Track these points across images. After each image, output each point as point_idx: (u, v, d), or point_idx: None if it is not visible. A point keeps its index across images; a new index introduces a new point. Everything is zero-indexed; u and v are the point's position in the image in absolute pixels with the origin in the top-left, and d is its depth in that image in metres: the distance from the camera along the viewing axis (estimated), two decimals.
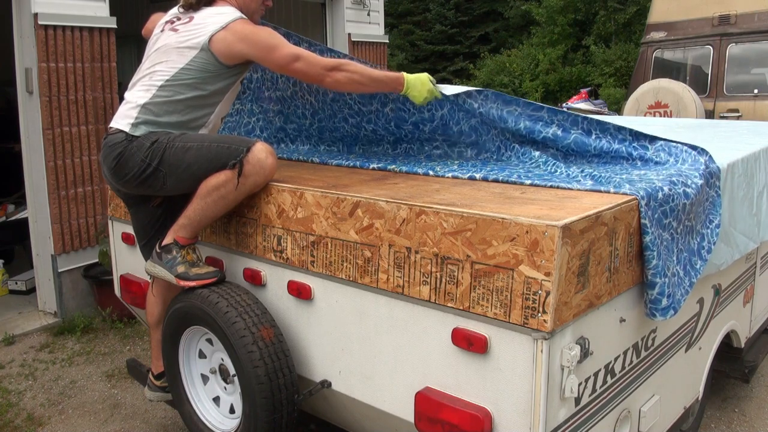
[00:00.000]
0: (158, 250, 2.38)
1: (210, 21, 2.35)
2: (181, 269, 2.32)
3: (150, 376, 2.71)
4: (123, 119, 2.34)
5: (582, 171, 2.22)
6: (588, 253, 1.72)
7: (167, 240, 2.36)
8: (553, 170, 2.29)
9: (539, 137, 2.38)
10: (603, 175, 2.16)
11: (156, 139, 2.29)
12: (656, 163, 2.35)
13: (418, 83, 2.35)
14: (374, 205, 1.96)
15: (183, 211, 2.33)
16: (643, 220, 1.93)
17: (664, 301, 2.00)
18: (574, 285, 1.68)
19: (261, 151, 2.25)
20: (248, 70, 2.55)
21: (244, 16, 2.40)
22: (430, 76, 2.41)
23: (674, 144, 2.41)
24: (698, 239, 2.27)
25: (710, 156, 2.37)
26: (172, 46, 2.36)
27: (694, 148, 2.37)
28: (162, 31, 2.46)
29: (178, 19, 2.44)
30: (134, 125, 2.31)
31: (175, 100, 2.33)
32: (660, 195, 1.99)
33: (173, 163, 2.28)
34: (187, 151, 2.27)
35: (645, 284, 2.00)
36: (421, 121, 2.55)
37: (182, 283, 2.32)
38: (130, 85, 2.44)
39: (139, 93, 2.35)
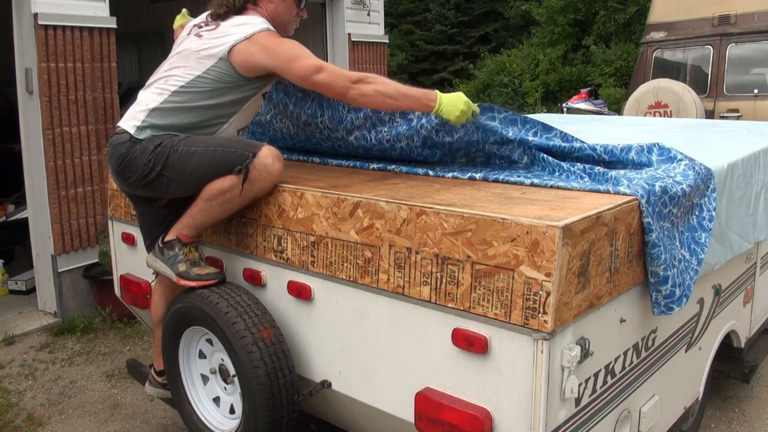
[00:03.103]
0: (161, 245, 2.37)
1: (234, 31, 2.31)
2: (182, 267, 2.32)
3: (152, 371, 2.72)
4: (131, 120, 2.33)
5: (572, 165, 2.21)
6: (588, 253, 1.72)
7: (170, 236, 2.36)
8: (550, 169, 2.27)
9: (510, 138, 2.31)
10: (598, 171, 2.14)
11: (160, 143, 2.27)
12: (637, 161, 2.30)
13: (453, 99, 2.17)
14: (375, 205, 1.96)
15: (187, 210, 2.32)
16: (646, 219, 1.92)
17: (678, 292, 2.01)
18: (575, 285, 1.68)
19: (267, 156, 2.22)
20: (270, 84, 2.47)
21: (271, 28, 2.34)
22: (467, 101, 2.20)
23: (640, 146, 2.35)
24: (697, 212, 2.25)
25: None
26: (192, 51, 2.33)
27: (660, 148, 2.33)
28: (188, 34, 2.42)
29: (206, 24, 2.40)
30: (140, 128, 2.29)
31: (186, 107, 2.30)
32: (657, 188, 1.99)
33: (177, 168, 2.26)
34: (191, 156, 2.25)
35: (655, 282, 1.99)
36: (384, 150, 2.50)
37: (182, 281, 2.32)
38: (147, 83, 2.42)
39: (151, 96, 2.34)
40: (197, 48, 2.33)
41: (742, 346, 3.10)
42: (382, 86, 2.19)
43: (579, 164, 2.22)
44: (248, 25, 2.32)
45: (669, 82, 6.75)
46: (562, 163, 2.25)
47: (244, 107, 2.40)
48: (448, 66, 19.60)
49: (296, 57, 2.24)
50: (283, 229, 2.24)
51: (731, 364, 3.12)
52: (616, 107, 11.37)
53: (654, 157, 2.26)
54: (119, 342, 4.33)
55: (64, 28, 4.33)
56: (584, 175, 2.15)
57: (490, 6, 19.28)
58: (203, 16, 2.48)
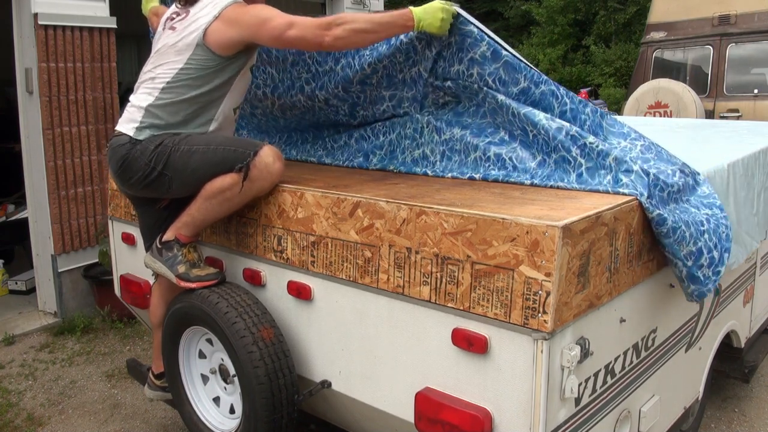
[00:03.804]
0: (159, 246, 2.36)
1: (203, 14, 2.29)
2: (181, 269, 2.32)
3: (150, 375, 2.71)
4: (128, 123, 2.33)
5: (551, 125, 2.08)
6: (588, 253, 1.72)
7: (168, 236, 2.35)
8: (520, 122, 2.15)
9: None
10: (590, 145, 2.02)
11: (161, 142, 2.26)
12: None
13: (430, 10, 2.09)
14: (374, 205, 1.96)
15: (186, 209, 2.31)
16: (656, 212, 1.92)
17: (716, 254, 2.03)
18: (575, 285, 1.68)
19: (268, 155, 2.21)
20: (254, 57, 2.45)
21: (240, 1, 2.31)
22: (445, 4, 2.12)
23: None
24: (686, 171, 2.20)
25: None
26: (169, 45, 2.33)
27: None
28: (163, 29, 2.42)
29: (177, 15, 2.39)
30: (138, 129, 2.29)
31: (178, 101, 2.30)
32: (651, 178, 1.98)
33: (178, 167, 2.25)
34: (192, 154, 2.24)
35: (694, 261, 1.99)
36: (366, 77, 2.43)
37: (182, 284, 2.31)
38: (135, 87, 2.42)
39: (142, 96, 2.34)
40: (174, 41, 2.32)
41: (742, 346, 3.10)
42: (354, 23, 2.11)
43: (562, 125, 2.07)
44: (213, 4, 2.29)
45: (669, 82, 6.76)
46: (537, 113, 2.10)
47: (233, 86, 2.38)
48: None
49: (264, 20, 2.19)
50: (283, 229, 2.24)
51: (731, 364, 3.12)
52: (616, 107, 11.37)
53: (605, 124, 2.20)
54: (119, 342, 4.33)
55: (64, 28, 4.33)
56: (574, 149, 2.03)
57: (490, 6, 19.28)
58: (173, 6, 2.45)
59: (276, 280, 2.31)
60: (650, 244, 2.01)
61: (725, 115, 6.54)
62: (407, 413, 1.95)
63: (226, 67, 2.31)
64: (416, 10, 2.10)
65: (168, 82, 2.30)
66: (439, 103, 2.38)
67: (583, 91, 11.16)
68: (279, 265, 2.28)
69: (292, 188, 2.20)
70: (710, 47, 6.84)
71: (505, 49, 2.20)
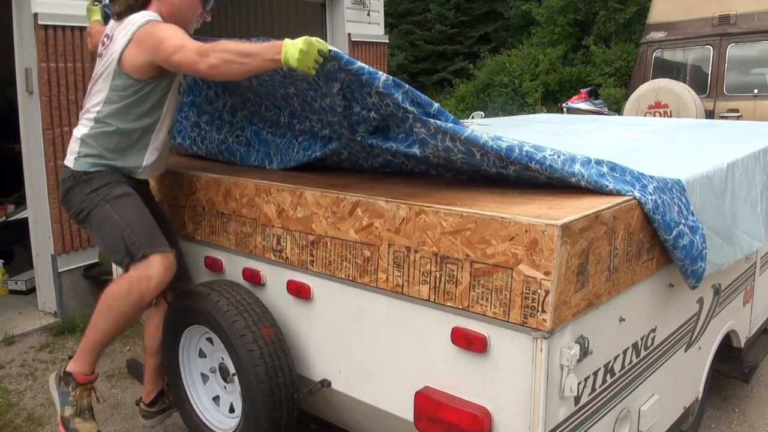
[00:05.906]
0: (62, 374, 2.37)
1: (119, 37, 2.24)
2: (67, 412, 2.34)
3: (142, 405, 2.67)
4: (69, 154, 2.35)
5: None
6: (587, 252, 1.72)
7: (70, 367, 2.36)
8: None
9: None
10: (555, 158, 1.91)
11: (94, 189, 2.27)
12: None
13: (294, 43, 1.91)
14: (374, 204, 1.96)
15: (84, 333, 2.32)
16: (651, 199, 1.92)
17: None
18: (574, 284, 1.69)
19: (156, 263, 2.17)
20: (180, 76, 2.37)
21: (155, 19, 2.23)
22: (317, 39, 1.92)
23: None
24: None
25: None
26: (98, 74, 2.32)
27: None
28: (99, 56, 2.38)
29: (107, 37, 2.34)
30: (76, 159, 2.31)
31: (109, 131, 2.28)
32: (651, 189, 1.98)
33: (94, 226, 2.31)
34: (108, 222, 2.25)
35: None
36: (284, 98, 2.36)
37: (60, 427, 2.34)
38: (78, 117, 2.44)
39: (80, 128, 2.35)
40: (101, 70, 2.31)
41: (742, 345, 3.10)
42: (225, 53, 2.01)
43: (512, 144, 1.92)
44: (130, 25, 2.23)
45: (669, 82, 6.76)
46: (479, 135, 1.92)
47: (164, 109, 2.35)
48: (448, 66, 19.61)
49: (160, 41, 2.13)
50: (283, 229, 2.24)
51: (731, 364, 3.12)
52: (616, 107, 11.37)
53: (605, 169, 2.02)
54: (119, 342, 4.32)
55: (64, 28, 4.33)
56: (532, 164, 1.92)
57: (490, 6, 19.29)
58: (109, 24, 2.39)
59: (275, 279, 2.31)
60: (649, 244, 2.02)
61: (725, 115, 6.54)
62: (407, 412, 1.95)
63: (150, 90, 2.27)
64: (286, 41, 1.94)
65: (98, 111, 2.29)
66: (369, 130, 2.21)
67: (583, 91, 11.14)
68: (278, 264, 2.28)
69: (292, 187, 2.20)
70: (710, 47, 6.84)
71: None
